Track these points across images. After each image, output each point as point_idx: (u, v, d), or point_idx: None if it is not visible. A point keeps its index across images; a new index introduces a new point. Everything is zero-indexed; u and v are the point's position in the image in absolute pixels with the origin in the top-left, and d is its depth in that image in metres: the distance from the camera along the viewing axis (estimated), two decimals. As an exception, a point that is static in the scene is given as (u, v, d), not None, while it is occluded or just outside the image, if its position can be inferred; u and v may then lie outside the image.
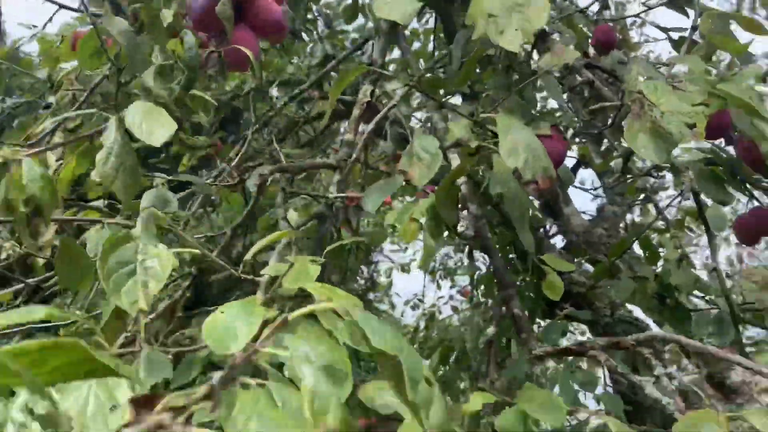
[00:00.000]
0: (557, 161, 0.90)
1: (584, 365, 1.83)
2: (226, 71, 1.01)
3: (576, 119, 1.56)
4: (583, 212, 2.68)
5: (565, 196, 2.96)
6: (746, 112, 0.89)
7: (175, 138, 0.96)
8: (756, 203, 1.15)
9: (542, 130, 0.89)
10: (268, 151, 1.60)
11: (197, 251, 0.70)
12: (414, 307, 4.73)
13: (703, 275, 1.93)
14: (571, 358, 2.04)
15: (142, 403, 0.35)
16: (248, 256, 0.74)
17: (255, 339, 0.62)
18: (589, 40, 1.39)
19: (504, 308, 1.10)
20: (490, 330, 1.28)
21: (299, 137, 2.30)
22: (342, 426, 0.38)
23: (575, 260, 2.34)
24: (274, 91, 2.05)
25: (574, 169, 2.75)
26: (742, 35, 1.18)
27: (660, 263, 2.06)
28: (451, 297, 4.61)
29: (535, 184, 0.74)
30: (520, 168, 0.73)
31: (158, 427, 0.33)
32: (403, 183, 0.91)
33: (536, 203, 2.94)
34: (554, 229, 2.78)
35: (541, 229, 2.83)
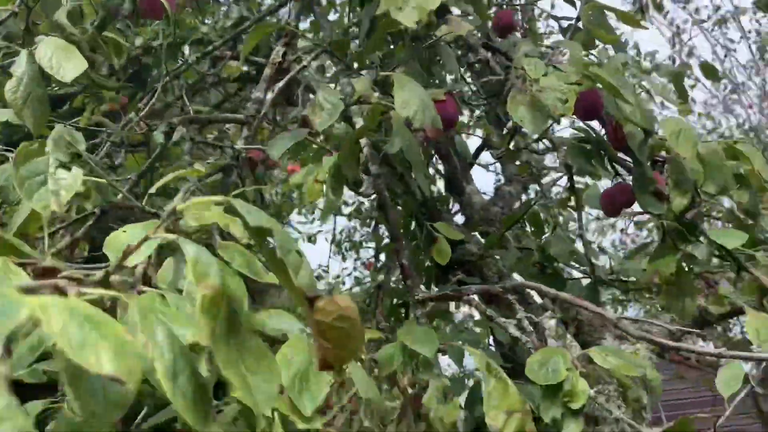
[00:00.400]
0: (450, 122, 1.00)
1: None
2: (140, 18, 1.04)
3: (468, 89, 1.68)
4: (484, 192, 2.85)
5: (466, 175, 3.13)
6: (612, 94, 1.02)
7: (82, 78, 0.98)
8: (620, 179, 1.30)
9: (437, 95, 0.98)
10: (179, 106, 1.61)
11: (103, 180, 0.74)
12: (318, 278, 4.79)
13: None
14: (460, 320, 2.18)
15: (42, 273, 0.40)
16: (152, 190, 0.78)
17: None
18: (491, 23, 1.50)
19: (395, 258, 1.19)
20: (381, 277, 1.38)
21: (207, 97, 2.30)
22: (221, 287, 0.45)
23: (471, 234, 2.49)
24: (186, 50, 2.04)
25: (479, 151, 2.91)
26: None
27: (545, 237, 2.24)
28: (355, 269, 4.72)
29: (424, 132, 0.83)
30: (411, 118, 0.82)
31: (55, 289, 0.38)
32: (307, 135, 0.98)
33: (441, 182, 3.11)
34: (456, 207, 2.96)
35: (445, 206, 3.00)
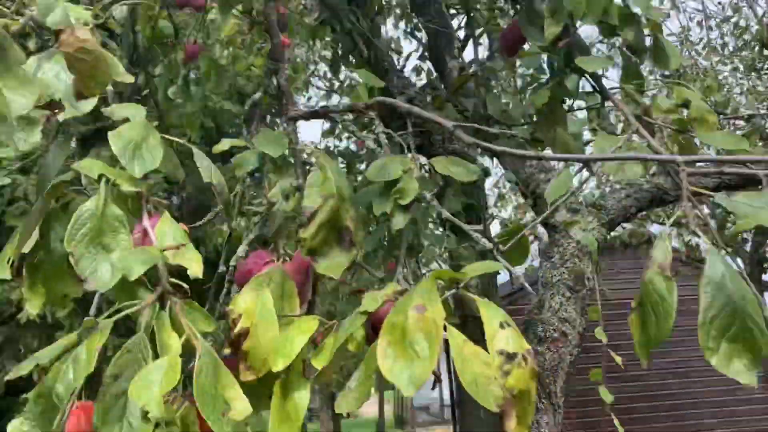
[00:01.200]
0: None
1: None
2: None
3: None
4: (470, 66, 2.90)
5: (450, 50, 3.14)
6: None
7: None
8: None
9: None
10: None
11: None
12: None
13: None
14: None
15: None
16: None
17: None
18: None
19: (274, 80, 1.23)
20: (258, 95, 1.43)
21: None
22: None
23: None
24: None
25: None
26: None
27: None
28: (347, 147, 4.95)
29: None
30: None
31: None
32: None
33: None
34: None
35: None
